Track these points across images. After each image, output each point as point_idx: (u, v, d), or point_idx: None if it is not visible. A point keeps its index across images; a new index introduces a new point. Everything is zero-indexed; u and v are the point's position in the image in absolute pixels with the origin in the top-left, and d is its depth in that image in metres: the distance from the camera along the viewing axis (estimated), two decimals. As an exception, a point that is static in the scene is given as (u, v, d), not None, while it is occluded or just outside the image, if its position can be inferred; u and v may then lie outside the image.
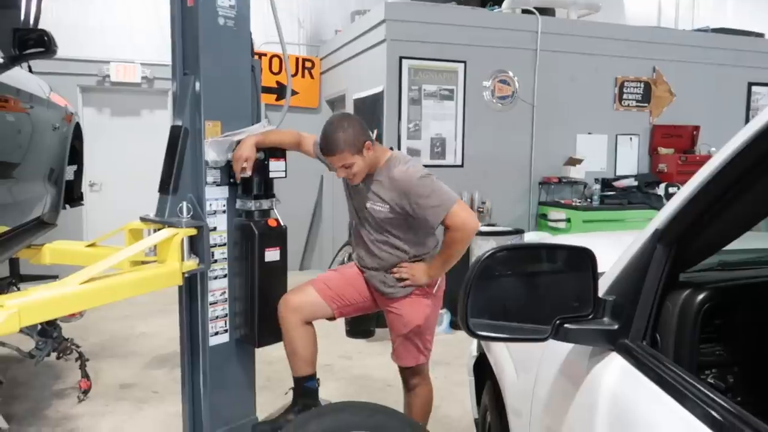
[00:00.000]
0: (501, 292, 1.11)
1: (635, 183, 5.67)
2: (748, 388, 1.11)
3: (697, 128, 5.96)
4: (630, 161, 5.97)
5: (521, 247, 1.17)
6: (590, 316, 1.09)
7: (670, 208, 1.04)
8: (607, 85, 5.82)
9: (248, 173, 2.50)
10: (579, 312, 1.09)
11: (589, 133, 5.78)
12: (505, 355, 1.74)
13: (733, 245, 1.46)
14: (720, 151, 0.94)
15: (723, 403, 0.81)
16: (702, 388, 0.86)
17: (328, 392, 3.51)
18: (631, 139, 5.94)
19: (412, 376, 2.58)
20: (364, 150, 2.28)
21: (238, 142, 2.55)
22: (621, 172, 5.90)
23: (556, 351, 1.27)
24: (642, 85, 5.90)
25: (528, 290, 1.13)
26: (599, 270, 1.15)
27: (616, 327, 1.08)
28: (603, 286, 1.16)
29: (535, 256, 1.15)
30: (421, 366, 2.55)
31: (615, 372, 1.04)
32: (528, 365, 1.49)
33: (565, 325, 1.08)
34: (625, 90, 5.85)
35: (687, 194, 1.00)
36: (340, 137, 2.25)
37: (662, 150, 5.92)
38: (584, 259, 1.09)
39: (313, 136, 2.67)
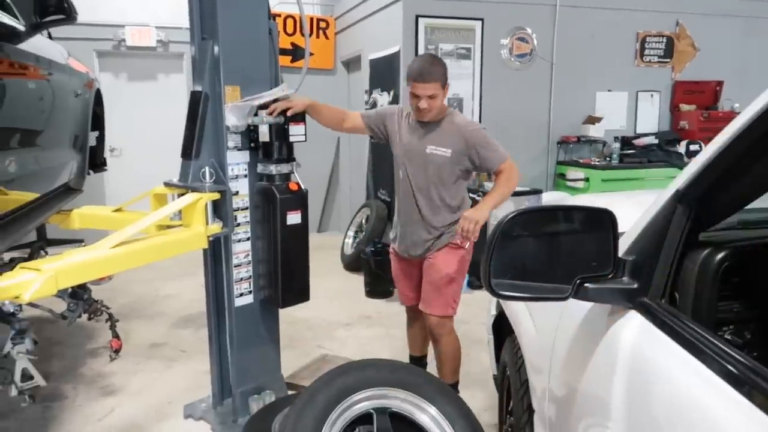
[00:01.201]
0: (522, 253, 1.14)
1: (656, 141, 5.59)
2: (765, 343, 1.13)
3: (720, 83, 5.83)
4: (651, 119, 5.87)
5: (542, 210, 1.19)
6: (610, 276, 1.12)
7: (692, 168, 1.05)
8: (628, 41, 5.68)
9: (278, 118, 2.56)
10: (599, 272, 1.12)
11: (609, 91, 5.69)
12: (524, 314, 1.78)
13: (753, 204, 1.47)
14: (743, 111, 0.95)
15: (739, 357, 0.84)
16: (719, 344, 0.89)
17: (348, 351, 3.62)
18: (652, 95, 5.83)
19: (439, 327, 2.70)
20: (446, 88, 2.53)
21: (259, 106, 2.57)
22: (641, 129, 5.81)
23: (576, 309, 1.31)
24: (664, 40, 5.75)
25: (549, 251, 1.16)
26: (619, 230, 1.17)
27: (635, 286, 1.10)
28: (623, 246, 1.19)
29: (556, 217, 1.17)
30: (447, 319, 2.69)
31: (634, 329, 1.07)
32: (547, 323, 1.53)
33: (586, 285, 1.11)
34: (646, 45, 5.72)
35: (709, 155, 1.01)
36: (437, 69, 2.49)
37: (684, 107, 5.81)
38: (604, 219, 1.11)
39: (357, 113, 2.90)
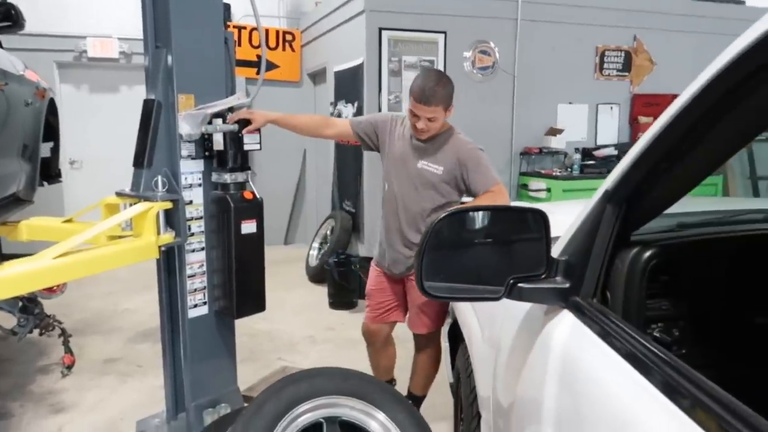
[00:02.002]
0: (456, 255, 1.14)
1: (615, 152, 5.70)
2: (693, 340, 1.15)
3: (676, 96, 5.96)
4: (610, 131, 5.99)
5: (475, 210, 1.20)
6: (543, 276, 1.13)
7: (619, 168, 1.07)
8: (587, 55, 5.81)
9: (233, 126, 2.50)
10: (533, 272, 1.13)
11: (570, 103, 5.80)
12: (472, 318, 1.79)
13: (692, 208, 1.51)
14: (663, 113, 0.97)
15: (663, 356, 0.84)
16: (645, 343, 0.89)
17: (310, 362, 3.58)
18: (611, 108, 5.96)
19: (424, 341, 2.66)
20: (448, 110, 2.38)
21: (214, 115, 2.55)
22: (601, 141, 5.93)
23: (516, 311, 1.31)
24: (623, 54, 5.90)
25: (482, 252, 1.16)
26: (556, 234, 1.18)
27: (567, 285, 1.11)
28: (558, 248, 1.20)
29: (490, 218, 1.17)
30: (434, 333, 2.63)
31: (565, 328, 1.08)
32: (492, 326, 1.53)
33: (519, 285, 1.11)
34: (605, 59, 5.85)
35: (634, 155, 1.03)
36: (441, 92, 2.32)
37: (642, 119, 5.95)
38: (537, 220, 1.12)
39: (346, 120, 2.73)
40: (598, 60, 5.83)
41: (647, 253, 1.09)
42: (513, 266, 1.13)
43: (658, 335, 1.13)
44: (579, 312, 1.06)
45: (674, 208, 1.10)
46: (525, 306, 1.26)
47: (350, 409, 1.88)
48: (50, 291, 3.41)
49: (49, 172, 3.66)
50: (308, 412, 1.84)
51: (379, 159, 2.65)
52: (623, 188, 1.07)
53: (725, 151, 1.00)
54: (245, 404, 2.80)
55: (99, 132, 6.55)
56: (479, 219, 1.17)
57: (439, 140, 2.44)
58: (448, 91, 2.35)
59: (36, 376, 3.45)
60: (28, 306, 3.25)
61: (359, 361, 2.89)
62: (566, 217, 1.25)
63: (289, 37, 6.85)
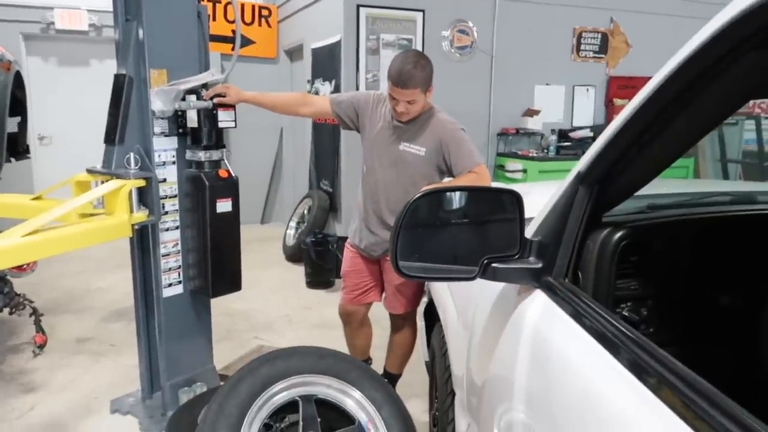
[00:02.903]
0: (430, 235, 1.14)
1: (591, 134, 5.76)
2: (660, 319, 1.18)
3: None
4: (586, 112, 6.04)
5: (449, 190, 1.20)
6: (516, 256, 1.14)
7: (592, 150, 1.08)
8: (565, 36, 5.82)
9: (207, 103, 2.48)
10: (506, 252, 1.14)
11: (547, 84, 5.82)
12: (447, 298, 1.80)
13: (663, 190, 1.53)
14: (636, 95, 0.98)
15: (631, 335, 0.86)
16: (614, 322, 0.91)
17: (287, 341, 3.59)
18: (587, 90, 6.00)
19: (401, 320, 2.67)
20: (428, 92, 2.34)
21: (187, 91, 2.50)
22: (577, 123, 5.98)
23: (490, 291, 1.33)
24: (599, 36, 5.92)
25: (457, 232, 1.17)
26: (531, 215, 1.20)
27: (540, 265, 1.13)
28: (531, 228, 1.21)
29: (465, 198, 1.18)
30: (411, 312, 2.63)
31: (537, 308, 1.10)
32: (466, 306, 1.55)
33: (493, 265, 1.12)
34: (582, 41, 5.87)
35: (606, 137, 1.04)
36: (419, 74, 2.25)
37: (618, 101, 6.00)
38: (511, 201, 1.13)
39: (326, 97, 2.67)
40: (575, 41, 5.85)
41: (617, 235, 1.11)
42: (487, 246, 1.14)
43: (626, 314, 1.16)
44: (551, 292, 1.08)
45: (645, 190, 1.12)
46: (499, 286, 1.27)
47: (326, 387, 1.90)
48: (20, 269, 3.35)
49: (17, 148, 3.58)
50: (284, 390, 1.84)
51: (358, 138, 2.62)
52: (595, 170, 1.08)
53: (695, 134, 1.02)
54: (221, 383, 2.80)
55: (68, 107, 6.39)
56: (454, 199, 1.18)
57: (421, 121, 2.40)
58: (426, 73, 2.30)
59: (6, 355, 3.40)
60: (-3, 285, 3.19)
61: (336, 339, 2.90)
62: (541, 197, 1.27)
63: (265, 12, 6.72)
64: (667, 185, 1.96)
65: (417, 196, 1.10)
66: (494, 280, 1.14)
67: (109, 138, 2.47)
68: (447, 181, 2.42)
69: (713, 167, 6.30)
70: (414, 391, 2.80)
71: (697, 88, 0.87)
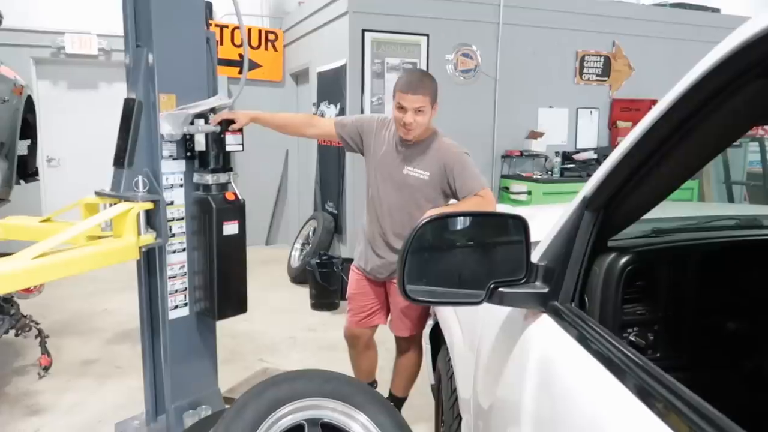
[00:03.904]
0: (438, 259, 1.15)
1: (594, 156, 5.79)
2: (667, 343, 1.18)
3: (654, 102, 6.03)
4: (590, 134, 6.08)
5: (456, 215, 1.22)
6: (523, 281, 1.15)
7: (597, 176, 1.09)
8: (568, 59, 5.88)
9: (215, 127, 2.50)
10: (513, 276, 1.15)
11: (551, 107, 5.86)
12: (453, 321, 1.80)
13: (668, 213, 1.54)
14: (640, 122, 1.00)
15: (638, 360, 0.87)
16: (620, 347, 0.92)
17: (291, 363, 3.58)
18: (591, 112, 6.04)
19: (406, 343, 2.67)
20: (434, 107, 2.37)
21: (196, 115, 2.54)
22: (581, 145, 6.01)
23: (496, 314, 1.33)
24: (602, 59, 5.98)
25: (463, 256, 1.18)
26: (537, 239, 1.21)
27: (546, 290, 1.13)
28: (537, 253, 1.22)
29: (471, 223, 1.19)
30: (415, 336, 2.63)
31: (544, 332, 1.10)
32: (472, 329, 1.55)
33: (500, 289, 1.13)
34: (585, 64, 5.93)
35: (611, 163, 1.05)
36: (429, 83, 2.33)
37: (621, 123, 6.04)
38: (518, 226, 1.14)
39: (331, 119, 2.70)
40: (578, 65, 5.91)
41: (623, 260, 1.12)
42: (494, 271, 1.15)
43: (633, 339, 1.16)
44: (557, 316, 1.09)
45: (650, 213, 1.13)
46: (505, 309, 1.28)
47: (332, 411, 1.89)
48: (27, 291, 3.37)
49: (26, 170, 3.62)
50: (290, 414, 1.84)
51: (363, 160, 2.64)
52: (601, 196, 1.10)
53: (700, 160, 1.03)
54: (226, 406, 2.79)
55: (77, 129, 6.46)
56: (461, 224, 1.19)
57: (424, 145, 2.42)
58: (434, 86, 2.36)
59: (12, 377, 3.40)
60: (3, 306, 3.20)
61: (341, 362, 2.89)
62: (544, 221, 1.28)
63: (271, 37, 6.83)
64: (671, 208, 1.97)
65: (424, 220, 1.11)
66: (501, 304, 1.15)
67: (118, 161, 2.50)
68: (452, 204, 2.44)
69: (718, 189, 6.30)
70: (420, 415, 2.78)
71: (701, 115, 0.88)
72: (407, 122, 2.31)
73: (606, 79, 6.03)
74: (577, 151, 5.87)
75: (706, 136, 0.93)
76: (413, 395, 2.83)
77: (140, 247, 2.42)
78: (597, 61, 5.96)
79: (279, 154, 6.98)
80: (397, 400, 2.76)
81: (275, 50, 6.88)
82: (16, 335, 3.35)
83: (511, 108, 5.63)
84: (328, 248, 5.35)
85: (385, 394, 2.72)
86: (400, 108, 2.31)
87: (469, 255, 1.19)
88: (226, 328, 2.85)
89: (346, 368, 2.91)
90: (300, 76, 6.76)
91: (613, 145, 6.07)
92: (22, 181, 3.59)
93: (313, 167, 6.15)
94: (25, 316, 3.35)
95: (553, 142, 5.79)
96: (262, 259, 5.87)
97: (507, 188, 5.61)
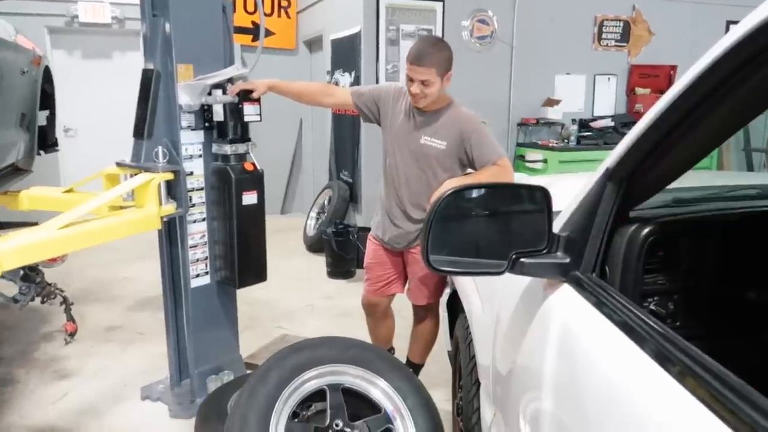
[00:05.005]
0: (460, 230, 1.17)
1: (612, 123, 5.73)
2: (687, 313, 1.20)
3: (674, 68, 5.98)
4: (607, 102, 6.00)
5: (480, 187, 1.23)
6: (545, 251, 1.16)
7: (620, 147, 1.10)
8: (586, 25, 5.77)
9: (231, 96, 2.52)
10: (534, 247, 1.16)
11: (568, 74, 5.78)
12: (472, 290, 1.83)
13: (687, 182, 1.54)
14: (666, 92, 0.99)
15: (657, 327, 0.88)
16: (641, 315, 0.93)
17: (309, 330, 3.64)
18: (608, 79, 5.95)
19: (424, 311, 2.70)
20: (445, 78, 2.32)
21: (213, 85, 2.54)
22: (598, 112, 5.94)
23: (516, 284, 1.35)
24: (621, 24, 5.86)
25: (486, 227, 1.20)
26: (558, 209, 1.22)
27: (568, 260, 1.15)
28: (559, 223, 1.23)
29: (494, 194, 1.20)
30: (432, 304, 2.66)
31: (565, 302, 1.12)
32: (492, 298, 1.57)
33: (521, 260, 1.15)
34: (604, 29, 5.82)
35: (635, 133, 1.05)
36: (434, 53, 2.28)
37: (639, 90, 5.95)
38: (540, 197, 1.15)
39: (347, 89, 2.70)
40: (596, 30, 5.80)
41: (645, 230, 1.12)
42: (515, 241, 1.16)
43: (653, 308, 1.18)
44: (578, 286, 1.10)
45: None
46: (525, 279, 1.29)
47: (352, 377, 1.94)
48: (51, 260, 3.42)
49: (46, 140, 3.65)
50: (312, 379, 1.89)
51: (378, 129, 2.64)
52: (624, 167, 1.10)
53: (726, 130, 1.03)
54: (247, 371, 2.87)
55: (92, 99, 6.48)
56: (484, 195, 1.20)
57: (441, 114, 2.41)
58: (443, 56, 2.30)
59: (39, 343, 3.51)
60: (29, 274, 3.27)
61: (357, 329, 2.95)
62: (561, 190, 1.29)
63: (284, 3, 6.75)
64: (691, 177, 1.96)
65: (448, 191, 1.12)
66: (522, 274, 1.17)
67: (138, 132, 2.52)
68: (469, 174, 2.44)
69: (737, 157, 6.21)
70: (436, 381, 2.83)
71: (731, 85, 0.87)
72: (414, 92, 2.33)
73: (625, 44, 5.91)
74: (594, 119, 5.80)
75: (734, 107, 0.92)
76: (429, 362, 2.88)
77: (162, 217, 2.47)
78: (616, 26, 5.84)
79: (293, 122, 6.97)
80: (415, 367, 2.81)
81: (288, 17, 6.80)
82: (42, 302, 3.42)
83: (527, 75, 5.56)
84: (343, 217, 5.39)
85: (403, 361, 2.78)
86: (410, 78, 2.32)
87: (491, 225, 1.21)
88: (244, 295, 2.90)
89: (362, 335, 2.96)
90: (313, 44, 6.70)
91: (630, 112, 5.98)
92: (42, 152, 3.63)
93: (328, 136, 6.14)
94: (50, 284, 3.42)
95: (569, 109, 5.73)
96: (278, 228, 5.91)
97: (522, 157, 5.58)
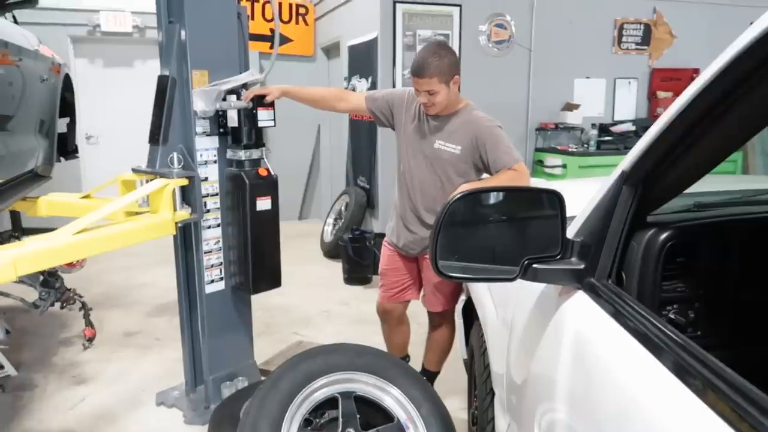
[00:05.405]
0: (471, 234, 1.14)
1: (633, 128, 5.63)
2: (708, 321, 1.15)
3: (696, 71, 5.86)
4: (628, 106, 5.90)
5: (490, 190, 1.19)
6: (558, 257, 1.13)
7: (636, 149, 1.06)
8: (606, 28, 5.69)
9: (246, 102, 2.52)
10: (547, 253, 1.13)
11: (587, 78, 5.70)
12: (486, 297, 1.79)
13: (710, 186, 1.49)
14: (681, 95, 0.95)
15: (676, 337, 0.84)
16: (658, 324, 0.89)
17: (325, 337, 3.63)
18: (629, 83, 5.86)
19: (439, 318, 2.67)
20: (452, 83, 2.30)
21: (228, 91, 2.55)
22: (619, 117, 5.84)
23: (530, 291, 1.32)
24: (642, 27, 5.77)
25: (497, 232, 1.16)
26: (572, 214, 1.18)
27: (582, 266, 1.11)
28: (573, 228, 1.19)
29: (505, 198, 1.17)
30: (449, 311, 2.63)
31: (579, 309, 1.08)
32: (506, 305, 1.54)
33: (534, 266, 1.11)
34: (624, 32, 5.73)
35: (651, 136, 1.01)
36: (434, 62, 2.24)
37: (661, 94, 5.84)
38: (553, 200, 1.12)
39: (361, 94, 2.69)
40: (616, 33, 5.72)
41: (663, 235, 1.08)
42: (528, 247, 1.13)
43: (673, 317, 1.13)
44: (593, 293, 1.07)
45: (692, 187, 1.09)
46: (539, 285, 1.26)
47: (365, 384, 1.92)
48: (70, 265, 3.46)
49: (66, 147, 3.70)
50: (324, 387, 1.87)
51: (394, 134, 2.62)
52: (640, 170, 1.06)
53: (747, 131, 0.98)
54: (262, 378, 2.86)
55: (114, 107, 6.57)
56: (494, 199, 1.17)
57: (456, 118, 2.38)
58: (445, 63, 2.25)
59: (58, 348, 3.54)
60: (48, 280, 3.31)
61: (374, 335, 2.92)
62: (575, 194, 1.25)
63: (302, 11, 6.78)
64: (714, 182, 1.91)
65: (457, 196, 1.09)
66: (535, 281, 1.13)
67: (153, 138, 2.54)
68: (485, 179, 2.40)
69: (763, 161, 6.06)
70: (452, 389, 2.79)
71: (750, 84, 0.84)
72: (422, 102, 2.33)
73: (646, 47, 5.82)
74: (615, 123, 5.71)
75: (755, 106, 0.88)
76: (446, 370, 2.84)
77: (176, 223, 2.47)
78: (637, 29, 5.75)
79: (311, 129, 6.99)
80: (430, 375, 2.77)
81: (306, 24, 6.83)
82: (62, 308, 3.46)
83: (545, 79, 5.49)
84: (360, 223, 5.37)
85: (418, 369, 2.74)
86: (416, 89, 2.32)
87: (503, 230, 1.18)
88: (260, 301, 2.90)
89: (379, 342, 2.93)
90: (331, 50, 6.72)
91: (652, 116, 5.88)
92: (62, 159, 3.68)
93: (345, 142, 6.14)
94: (69, 290, 3.46)
95: (589, 114, 5.64)
96: (296, 234, 5.93)
97: (541, 162, 5.51)
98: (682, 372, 0.77)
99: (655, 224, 1.13)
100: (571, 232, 1.17)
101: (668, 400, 0.78)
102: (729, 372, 0.71)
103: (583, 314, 1.07)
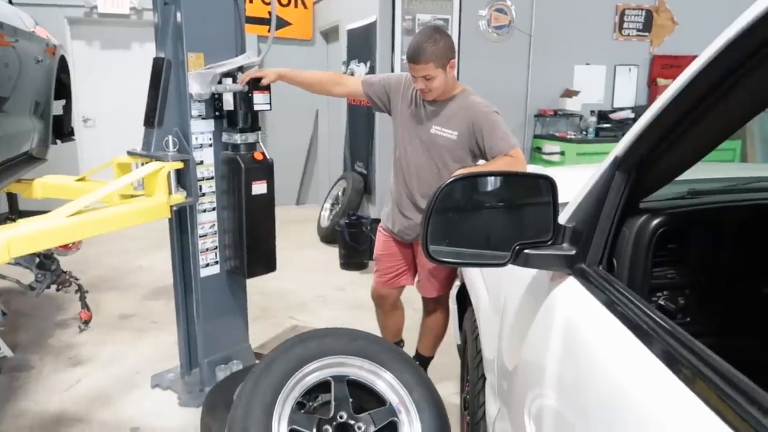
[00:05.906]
0: (462, 219, 1.14)
1: (632, 115, 5.60)
2: (698, 308, 1.15)
3: (698, 58, 5.82)
4: (628, 93, 5.87)
5: (482, 175, 1.19)
6: (550, 242, 1.12)
7: (630, 135, 1.05)
8: (607, 14, 5.64)
9: (241, 85, 2.50)
10: (539, 238, 1.12)
11: (587, 64, 5.66)
12: (480, 282, 1.79)
13: (706, 174, 1.48)
14: (674, 81, 0.94)
15: (665, 324, 0.84)
16: (648, 311, 0.89)
17: (321, 321, 3.64)
18: (630, 69, 5.82)
19: (433, 303, 2.68)
20: (448, 67, 2.29)
21: (224, 74, 2.53)
22: (618, 104, 5.82)
23: (522, 276, 1.32)
24: (643, 13, 5.72)
25: (489, 217, 1.16)
26: (565, 200, 1.17)
27: (573, 252, 1.11)
28: (566, 214, 1.19)
29: (497, 183, 1.17)
30: (443, 296, 2.63)
31: (570, 295, 1.08)
32: (498, 291, 1.54)
33: (525, 251, 1.11)
34: (625, 18, 5.68)
35: (645, 121, 1.01)
36: (429, 48, 2.23)
37: (661, 81, 5.80)
38: (545, 186, 1.11)
39: (358, 78, 2.66)
40: (617, 19, 5.67)
41: (655, 222, 1.08)
42: (519, 232, 1.12)
43: (663, 303, 1.13)
44: (584, 279, 1.06)
45: (687, 174, 1.08)
46: (531, 271, 1.26)
47: (358, 368, 1.92)
48: (66, 248, 3.46)
49: (62, 130, 3.68)
50: (316, 370, 1.87)
51: (392, 120, 2.60)
52: (633, 155, 1.05)
53: (742, 116, 0.97)
54: (257, 361, 2.86)
55: (111, 89, 6.53)
56: (486, 184, 1.17)
57: (452, 103, 2.36)
58: (440, 47, 2.24)
59: (54, 330, 3.55)
60: (45, 262, 3.30)
61: (369, 320, 2.93)
62: (569, 180, 1.24)
63: (301, -6, 6.72)
64: (710, 169, 1.90)
65: (448, 180, 1.09)
66: (526, 266, 1.13)
67: (149, 121, 2.52)
68: (481, 165, 2.39)
69: (762, 149, 6.05)
70: (445, 374, 2.81)
71: (747, 67, 0.83)
72: (419, 88, 2.32)
73: (647, 34, 5.77)
74: (614, 110, 5.68)
75: (751, 91, 0.87)
76: (439, 355, 2.85)
77: (171, 206, 2.46)
78: (638, 15, 5.70)
79: (309, 113, 6.96)
80: (424, 360, 2.79)
81: (305, 7, 6.77)
82: (58, 290, 3.46)
83: (545, 65, 5.46)
84: (357, 208, 5.36)
85: (412, 354, 2.75)
86: (412, 75, 2.31)
87: (495, 216, 1.17)
88: (257, 286, 2.90)
89: (374, 326, 2.94)
90: (330, 34, 6.67)
91: (652, 103, 5.85)
92: (58, 141, 3.66)
93: (343, 127, 6.12)
94: (65, 272, 3.46)
95: (588, 100, 5.62)
96: (293, 219, 5.93)
97: (539, 149, 5.50)
98: (671, 360, 0.77)
99: (648, 210, 1.13)
100: (563, 217, 1.17)
101: (656, 388, 0.78)
102: (717, 359, 0.71)
103: (573, 300, 1.07)
